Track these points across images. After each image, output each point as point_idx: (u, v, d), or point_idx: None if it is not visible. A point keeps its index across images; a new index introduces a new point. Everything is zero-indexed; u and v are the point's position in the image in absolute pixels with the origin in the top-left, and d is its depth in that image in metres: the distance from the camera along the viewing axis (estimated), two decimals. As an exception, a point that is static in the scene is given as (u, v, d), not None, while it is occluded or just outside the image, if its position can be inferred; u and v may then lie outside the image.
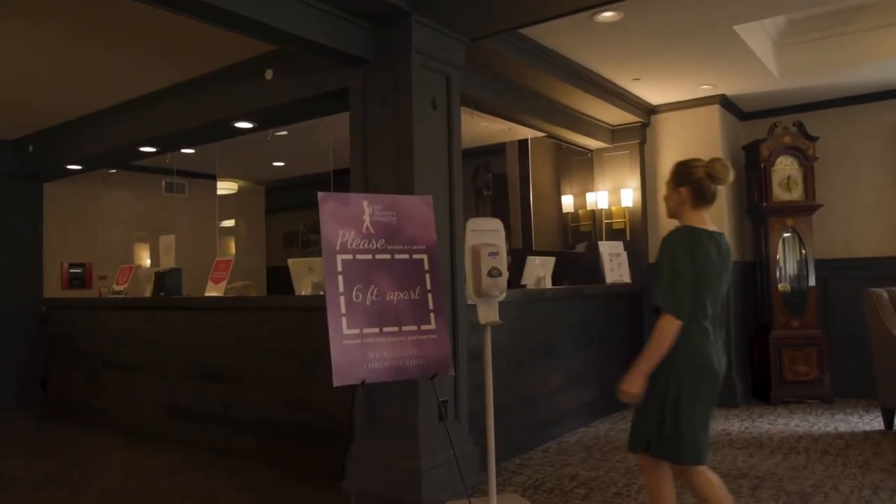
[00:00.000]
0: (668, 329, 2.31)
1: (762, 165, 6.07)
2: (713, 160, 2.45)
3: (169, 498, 3.81)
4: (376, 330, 3.15)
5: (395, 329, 3.21)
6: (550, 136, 6.29)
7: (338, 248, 3.15)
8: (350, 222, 3.20)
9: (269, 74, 4.70)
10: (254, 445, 4.52)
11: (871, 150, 6.20)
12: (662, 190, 2.59)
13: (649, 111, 6.39)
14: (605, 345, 5.60)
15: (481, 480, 3.70)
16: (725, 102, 6.18)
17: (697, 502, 2.60)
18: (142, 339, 5.51)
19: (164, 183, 7.76)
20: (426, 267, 3.38)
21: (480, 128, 5.94)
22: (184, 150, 6.87)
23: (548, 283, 5.40)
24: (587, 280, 6.14)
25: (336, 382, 3.00)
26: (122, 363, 5.68)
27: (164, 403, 5.24)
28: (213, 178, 8.32)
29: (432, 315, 3.33)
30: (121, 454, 4.88)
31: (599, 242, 6.20)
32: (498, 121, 5.72)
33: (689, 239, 2.39)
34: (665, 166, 6.05)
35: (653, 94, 6.01)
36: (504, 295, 3.38)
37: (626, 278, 6.03)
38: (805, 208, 6.06)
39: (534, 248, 6.59)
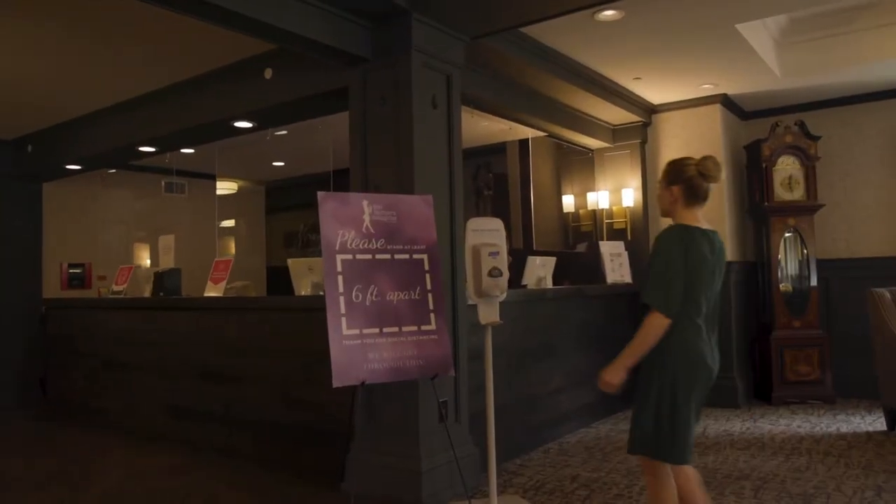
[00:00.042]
0: (654, 326, 2.32)
1: (763, 165, 6.05)
2: (705, 158, 2.45)
3: (169, 498, 3.80)
4: (376, 330, 3.14)
5: (395, 329, 3.19)
6: (551, 135, 6.27)
7: (337, 247, 3.13)
8: (350, 222, 3.19)
9: (268, 74, 4.69)
10: (254, 445, 4.51)
11: (873, 149, 6.19)
12: (658, 189, 2.59)
13: (650, 110, 6.37)
14: (605, 345, 5.53)
15: (482, 481, 3.69)
16: (727, 102, 6.16)
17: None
18: (142, 340, 5.50)
19: (163, 183, 7.76)
20: (426, 267, 3.36)
21: (481, 127, 5.93)
22: (183, 150, 6.86)
23: (548, 284, 5.38)
24: (588, 280, 6.12)
25: (336, 383, 2.99)
26: (122, 363, 5.67)
27: (165, 403, 5.23)
28: (213, 178, 8.31)
29: (432, 315, 3.31)
30: (121, 454, 4.87)
31: (600, 242, 6.19)
32: (498, 120, 5.70)
33: (682, 237, 2.39)
34: (666, 166, 6.03)
35: (654, 93, 5.99)
36: (505, 295, 3.37)
37: (627, 278, 6.01)
38: (806, 208, 6.04)
39: (534, 248, 6.57)
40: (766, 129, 6.15)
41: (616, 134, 6.54)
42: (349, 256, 3.15)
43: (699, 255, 2.36)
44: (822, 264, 6.11)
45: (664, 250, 2.39)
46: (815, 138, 6.03)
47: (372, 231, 3.24)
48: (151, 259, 8.10)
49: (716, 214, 5.89)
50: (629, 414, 2.52)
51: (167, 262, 6.32)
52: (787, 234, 6.10)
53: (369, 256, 3.21)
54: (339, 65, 3.95)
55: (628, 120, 6.32)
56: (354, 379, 3.04)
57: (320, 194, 3.15)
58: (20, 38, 4.55)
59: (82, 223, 7.93)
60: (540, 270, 5.32)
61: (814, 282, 6.03)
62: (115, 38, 4.50)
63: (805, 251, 6.07)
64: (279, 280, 7.25)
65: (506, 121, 5.72)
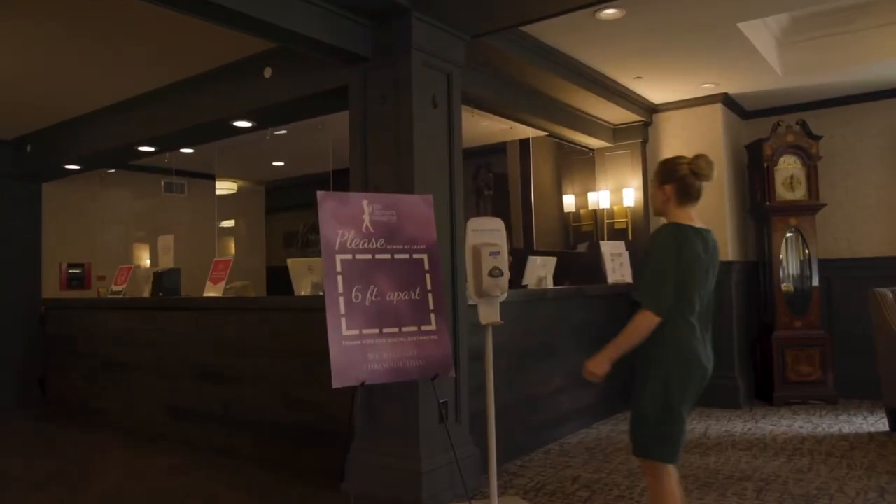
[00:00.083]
0: (644, 323, 2.34)
1: (765, 164, 6.03)
2: (697, 157, 2.45)
3: (169, 498, 3.79)
4: (376, 331, 3.12)
5: (395, 330, 3.17)
6: (552, 135, 6.26)
7: (337, 247, 3.11)
8: (349, 222, 3.17)
9: (267, 73, 4.67)
10: (253, 446, 4.50)
11: (875, 149, 6.17)
12: (651, 188, 2.60)
13: (651, 110, 6.35)
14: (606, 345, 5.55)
15: (482, 482, 3.67)
16: (728, 101, 6.14)
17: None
18: (141, 340, 5.48)
19: (163, 183, 7.74)
20: (426, 267, 3.34)
21: (481, 127, 5.91)
22: (183, 150, 6.85)
23: (549, 284, 5.36)
24: (589, 280, 6.10)
25: (335, 384, 2.97)
26: (122, 363, 5.66)
27: (164, 404, 5.21)
28: (213, 178, 8.29)
29: (433, 315, 3.30)
30: (120, 454, 4.86)
31: (601, 242, 6.17)
32: (499, 120, 5.69)
33: (675, 236, 2.39)
34: (667, 165, 6.01)
35: (655, 92, 5.97)
36: (505, 295, 3.35)
37: (628, 278, 5.99)
38: (808, 208, 6.02)
39: (535, 248, 6.55)
40: (768, 128, 6.12)
41: (617, 133, 6.52)
42: (349, 256, 3.13)
43: (692, 254, 2.36)
44: (824, 264, 6.09)
45: (657, 249, 2.40)
46: (817, 138, 6.01)
47: (372, 231, 3.22)
48: (151, 259, 8.09)
49: (717, 214, 5.88)
50: (629, 415, 2.52)
51: (166, 263, 6.31)
52: (788, 234, 6.07)
53: (369, 256, 3.19)
54: (339, 63, 3.93)
55: (629, 119, 6.30)
56: (354, 379, 3.02)
57: (320, 193, 3.14)
58: (20, 38, 4.54)
59: (82, 223, 7.92)
60: (540, 270, 5.30)
61: (815, 282, 6.01)
62: (113, 38, 4.48)
63: (807, 251, 6.05)
64: (279, 280, 7.24)
65: (506, 120, 5.71)
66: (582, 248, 6.85)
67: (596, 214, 6.68)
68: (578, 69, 5.11)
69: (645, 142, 6.43)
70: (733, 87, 5.90)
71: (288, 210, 9.73)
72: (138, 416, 5.43)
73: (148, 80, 5.30)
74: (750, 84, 5.77)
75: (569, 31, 4.44)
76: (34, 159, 6.88)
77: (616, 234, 6.49)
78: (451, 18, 3.75)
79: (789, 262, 6.12)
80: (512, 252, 4.97)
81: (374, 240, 3.21)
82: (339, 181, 6.13)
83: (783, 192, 6.05)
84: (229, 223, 9.41)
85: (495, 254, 3.28)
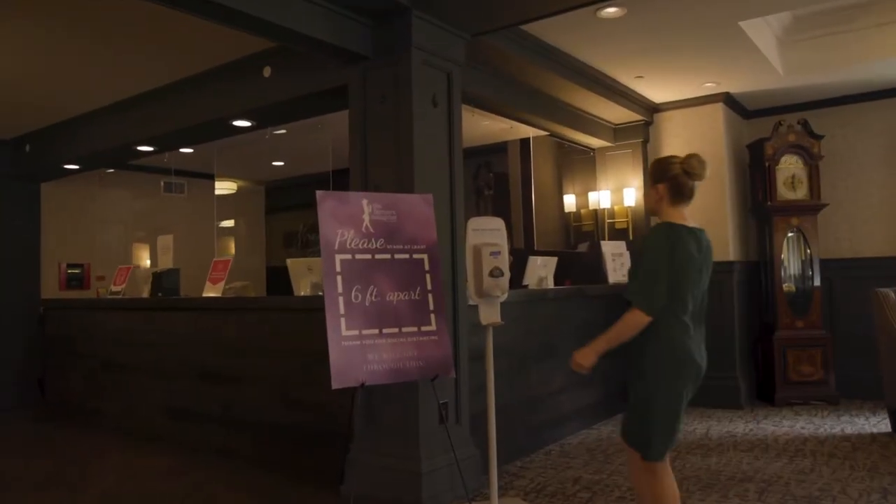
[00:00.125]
0: (634, 322, 2.35)
1: (766, 164, 6.01)
2: (689, 156, 2.45)
3: (168, 499, 3.77)
4: (376, 331, 3.10)
5: (395, 330, 3.15)
6: (552, 134, 6.24)
7: (336, 247, 3.09)
8: (349, 221, 3.15)
9: (267, 72, 4.66)
10: (253, 447, 4.48)
11: (877, 148, 6.15)
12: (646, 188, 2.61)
13: (652, 109, 6.33)
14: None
15: (482, 483, 3.65)
16: (729, 100, 6.12)
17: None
18: (140, 340, 5.46)
19: (162, 183, 7.72)
20: (426, 267, 3.32)
21: (482, 127, 5.90)
22: (182, 150, 6.84)
23: (550, 284, 5.35)
24: (589, 280, 6.08)
25: (335, 385, 2.95)
26: (121, 364, 5.64)
27: (163, 404, 5.19)
28: (212, 178, 8.28)
29: (433, 316, 3.28)
30: (119, 455, 4.84)
31: (602, 242, 6.15)
32: (499, 119, 5.67)
33: (668, 235, 2.40)
34: (668, 165, 5.99)
35: (656, 91, 5.95)
36: (506, 295, 3.34)
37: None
38: (810, 207, 6.00)
39: (536, 248, 6.54)
40: (769, 128, 6.10)
41: (618, 133, 6.50)
42: (348, 256, 3.11)
43: (685, 254, 2.37)
44: (826, 264, 6.07)
45: (650, 248, 2.41)
46: (819, 137, 5.99)
47: (371, 230, 3.20)
48: (150, 259, 8.07)
49: (718, 214, 5.86)
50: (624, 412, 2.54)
51: (166, 263, 6.30)
52: (789, 234, 6.05)
53: (369, 256, 3.17)
54: (339, 63, 3.92)
55: (630, 119, 6.28)
56: (354, 380, 3.00)
57: (319, 193, 3.12)
58: (20, 38, 4.53)
59: (81, 223, 7.90)
60: (541, 270, 5.28)
61: (817, 282, 5.99)
62: (112, 38, 4.47)
63: (808, 251, 6.03)
64: (278, 280, 7.23)
65: (507, 119, 5.69)
66: (583, 247, 6.83)
67: (597, 214, 6.66)
68: (579, 68, 5.10)
69: (646, 141, 6.41)
70: (735, 87, 5.88)
71: (288, 210, 9.71)
72: (137, 417, 5.41)
73: (147, 79, 5.28)
74: (751, 83, 5.75)
75: (569, 30, 4.42)
76: (33, 159, 6.86)
77: (617, 233, 6.48)
78: (451, 17, 3.73)
79: (791, 261, 6.10)
80: (512, 252, 4.95)
81: (373, 240, 3.20)
82: (339, 181, 6.12)
83: (784, 192, 6.03)
84: (229, 223, 9.40)
85: (496, 254, 3.27)
